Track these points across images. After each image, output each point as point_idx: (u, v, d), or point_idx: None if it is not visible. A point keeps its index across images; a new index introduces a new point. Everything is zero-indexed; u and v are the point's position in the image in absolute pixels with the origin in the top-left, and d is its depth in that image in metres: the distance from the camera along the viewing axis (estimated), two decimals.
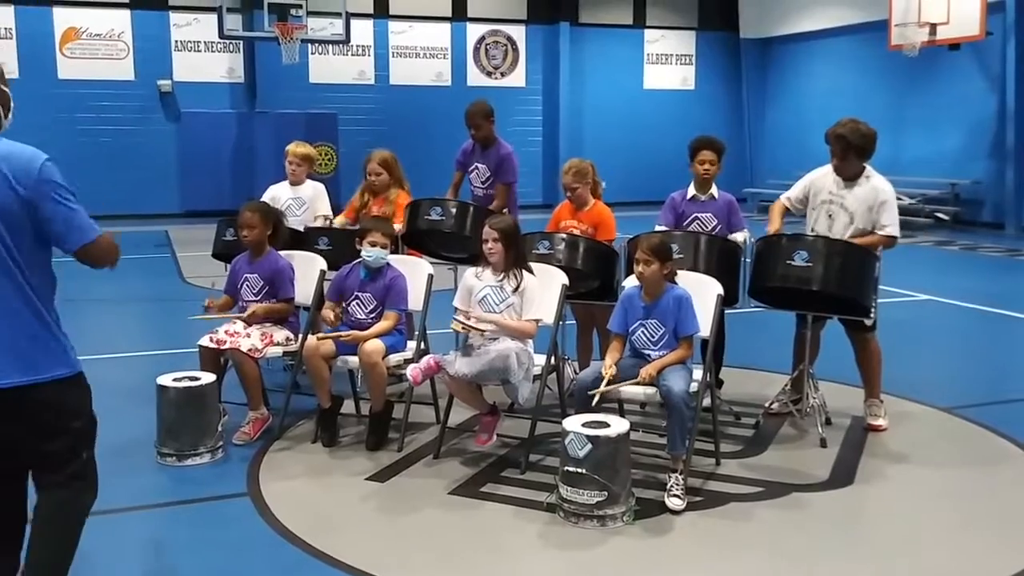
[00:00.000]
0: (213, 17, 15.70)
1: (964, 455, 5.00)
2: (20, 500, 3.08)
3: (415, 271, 5.26)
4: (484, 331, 4.54)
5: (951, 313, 9.00)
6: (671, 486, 4.25)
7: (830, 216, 5.24)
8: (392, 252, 5.28)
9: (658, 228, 5.64)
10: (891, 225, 5.16)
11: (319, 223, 6.32)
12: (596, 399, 4.19)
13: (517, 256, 4.76)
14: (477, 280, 4.80)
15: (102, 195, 16.06)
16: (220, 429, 4.85)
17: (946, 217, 15.65)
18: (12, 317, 2.79)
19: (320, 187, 6.55)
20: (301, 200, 6.45)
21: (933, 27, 14.16)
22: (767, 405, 5.51)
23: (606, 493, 3.95)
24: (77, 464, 2.99)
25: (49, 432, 2.90)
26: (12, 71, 15.97)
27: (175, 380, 4.74)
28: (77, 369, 2.94)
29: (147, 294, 9.80)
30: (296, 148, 6.46)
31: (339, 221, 6.24)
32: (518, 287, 4.69)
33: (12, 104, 2.94)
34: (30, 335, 2.81)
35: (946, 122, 16.02)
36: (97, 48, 16.60)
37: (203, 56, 17.15)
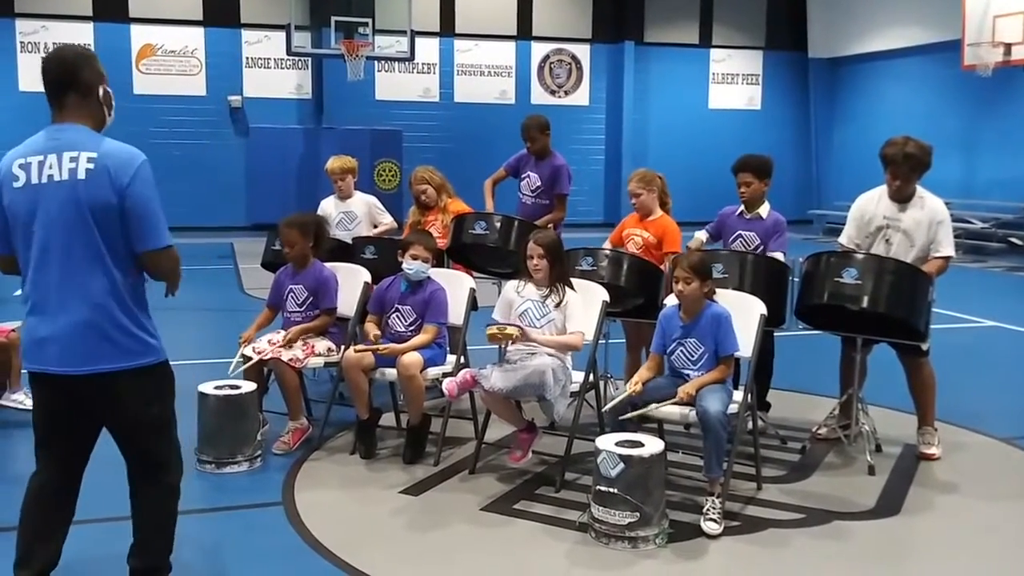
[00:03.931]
0: (283, 35, 16.01)
1: (1021, 488, 4.80)
2: (75, 493, 3.24)
3: (457, 285, 5.25)
4: (518, 328, 4.52)
5: (1019, 341, 8.68)
6: (708, 509, 4.15)
7: (887, 241, 5.06)
8: (436, 266, 5.30)
9: (697, 234, 5.57)
10: (948, 246, 5.00)
11: (383, 229, 6.48)
12: (611, 419, 4.16)
13: (561, 272, 4.73)
14: (517, 295, 4.77)
15: (172, 207, 16.33)
16: (259, 438, 4.90)
17: (1020, 242, 15.15)
18: (101, 308, 2.96)
19: (372, 199, 6.60)
20: (352, 215, 6.50)
21: (1008, 47, 13.78)
22: (815, 430, 5.37)
23: (638, 514, 3.88)
24: (162, 448, 3.21)
25: (136, 416, 3.11)
26: None
27: (216, 388, 4.80)
28: (159, 359, 3.12)
29: (205, 304, 9.98)
30: (332, 164, 6.53)
31: None
32: (560, 303, 4.66)
33: (114, 104, 3.16)
34: (121, 327, 2.99)
35: (1021, 144, 15.53)
36: (171, 64, 17.06)
37: (272, 73, 17.51)
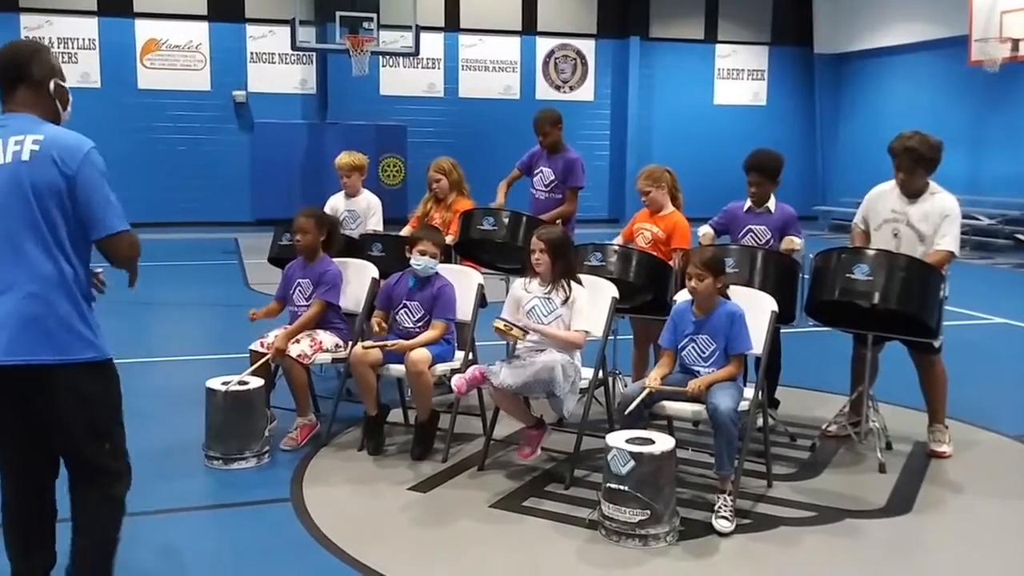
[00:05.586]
0: (287, 29, 15.99)
1: None
2: (49, 494, 3.14)
3: (465, 281, 5.22)
4: (526, 329, 4.50)
5: None
6: (719, 507, 4.13)
7: (895, 235, 5.04)
8: (444, 261, 5.27)
9: (702, 230, 5.56)
10: (951, 241, 4.90)
11: (363, 230, 6.37)
12: (631, 408, 4.13)
13: (565, 268, 4.69)
14: (525, 291, 4.74)
15: (176, 202, 16.52)
16: (267, 434, 4.88)
17: None
18: (46, 298, 2.85)
19: (375, 201, 6.52)
20: (356, 214, 6.46)
21: (1015, 42, 13.73)
22: (824, 427, 5.34)
23: (649, 512, 3.85)
24: (102, 455, 3.03)
25: (73, 416, 2.94)
26: (95, 81, 16.55)
27: (223, 384, 4.78)
28: (105, 356, 2.98)
29: (209, 299, 9.98)
30: (341, 159, 6.47)
31: (404, 232, 6.22)
32: (567, 299, 4.63)
33: (70, 99, 3.09)
34: (62, 317, 2.87)
35: None
36: (176, 59, 17.03)
37: (277, 68, 17.48)
